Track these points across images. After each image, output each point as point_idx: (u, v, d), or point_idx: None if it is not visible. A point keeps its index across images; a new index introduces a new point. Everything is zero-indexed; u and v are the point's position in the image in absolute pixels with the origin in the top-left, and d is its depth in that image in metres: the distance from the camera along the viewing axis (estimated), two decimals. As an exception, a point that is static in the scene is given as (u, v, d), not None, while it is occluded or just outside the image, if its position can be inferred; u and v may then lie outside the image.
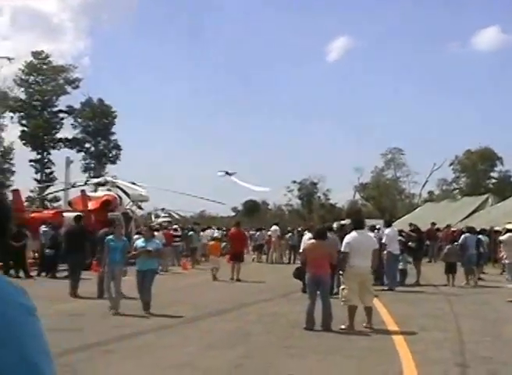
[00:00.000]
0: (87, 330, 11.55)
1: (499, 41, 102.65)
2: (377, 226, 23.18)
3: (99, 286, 15.84)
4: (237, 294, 18.36)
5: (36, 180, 63.26)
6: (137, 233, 23.93)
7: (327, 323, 11.71)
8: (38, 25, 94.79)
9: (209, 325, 12.62)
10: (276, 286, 20.39)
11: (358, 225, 12.62)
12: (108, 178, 38.83)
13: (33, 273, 22.86)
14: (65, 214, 29.23)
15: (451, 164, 70.38)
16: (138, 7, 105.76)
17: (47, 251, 23.16)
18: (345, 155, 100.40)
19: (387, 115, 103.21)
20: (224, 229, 39.15)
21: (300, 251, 16.44)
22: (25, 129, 62.23)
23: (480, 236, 23.58)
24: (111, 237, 14.20)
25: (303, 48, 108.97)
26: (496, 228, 28.28)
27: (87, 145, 67.42)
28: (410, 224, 25.04)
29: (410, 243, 21.93)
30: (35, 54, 63.40)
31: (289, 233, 35.18)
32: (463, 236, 22.11)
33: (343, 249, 12.10)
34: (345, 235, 12.85)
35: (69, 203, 34.23)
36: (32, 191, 58.64)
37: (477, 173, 68.15)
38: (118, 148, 68.11)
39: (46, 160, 64.21)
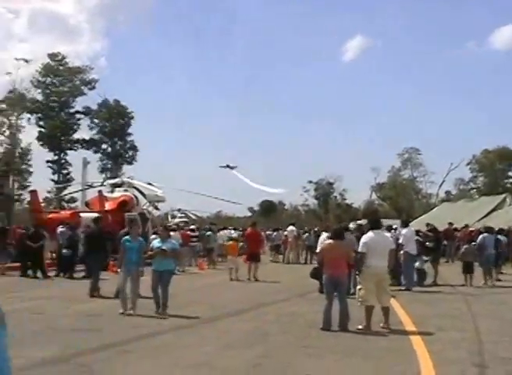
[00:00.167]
0: (105, 331, 11.59)
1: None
2: (394, 227, 23.12)
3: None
4: (254, 294, 18.37)
5: (53, 180, 63.61)
6: (154, 234, 24.02)
7: (344, 323, 11.69)
8: (55, 27, 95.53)
9: (227, 325, 12.65)
10: (293, 286, 20.38)
11: (375, 225, 12.58)
12: (125, 179, 39.02)
13: (51, 274, 22.98)
14: (82, 214, 29.42)
15: (468, 163, 70.12)
16: (153, 8, 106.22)
17: (64, 251, 23.27)
18: (362, 155, 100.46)
19: (404, 114, 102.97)
20: (240, 229, 39.15)
21: (317, 251, 16.41)
22: (42, 130, 62.54)
23: (498, 236, 23.45)
24: (127, 237, 14.22)
25: (318, 48, 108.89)
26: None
27: (104, 146, 67.68)
28: (428, 224, 24.92)
29: (427, 243, 21.83)
30: (51, 56, 63.73)
31: (306, 234, 35.15)
32: (481, 236, 21.98)
33: (360, 249, 12.07)
34: (362, 235, 12.81)
35: (86, 204, 34.44)
36: (49, 192, 59.06)
37: (494, 172, 67.76)
38: (134, 148, 68.30)
39: (63, 161, 64.52)
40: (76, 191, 46.71)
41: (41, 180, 61.29)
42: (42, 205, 36.14)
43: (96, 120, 67.20)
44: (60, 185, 60.15)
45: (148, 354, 9.66)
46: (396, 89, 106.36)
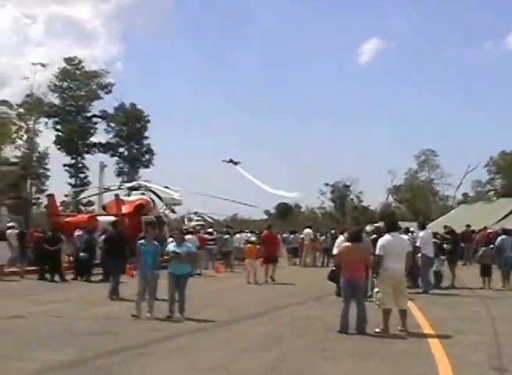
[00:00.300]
0: (122, 334, 11.62)
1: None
2: (411, 229, 23.00)
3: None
4: (271, 297, 18.33)
5: (70, 184, 63.94)
6: (171, 237, 24.06)
7: (361, 326, 11.63)
8: (71, 31, 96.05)
9: (243, 328, 12.63)
10: (310, 289, 20.32)
11: (392, 227, 12.52)
12: (142, 182, 39.20)
13: (69, 277, 23.08)
14: (99, 218, 29.53)
15: (486, 165, 69.69)
16: (169, 12, 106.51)
17: (81, 254, 23.37)
18: (378, 158, 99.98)
19: (420, 116, 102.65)
20: (257, 232, 39.12)
21: (334, 253, 16.35)
22: (59, 134, 62.90)
23: (517, 238, 23.24)
24: (142, 241, 14.24)
25: (334, 50, 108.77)
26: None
27: (121, 150, 67.92)
28: (445, 226, 24.77)
29: (445, 245, 21.71)
30: (68, 60, 64.08)
31: (323, 236, 35.06)
32: (499, 238, 21.81)
33: (377, 252, 11.99)
34: (379, 237, 12.74)
35: (103, 207, 34.57)
36: (66, 196, 59.24)
37: (512, 174, 67.30)
38: (151, 152, 68.50)
39: (80, 165, 64.85)
40: (93, 195, 46.96)
41: (59, 184, 61.62)
42: (59, 208, 36.31)
43: (112, 124, 67.50)
44: (77, 189, 60.44)
45: (165, 357, 9.67)
46: (412, 91, 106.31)
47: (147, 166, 68.37)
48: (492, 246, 21.90)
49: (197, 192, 44.09)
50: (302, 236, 34.96)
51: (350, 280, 11.90)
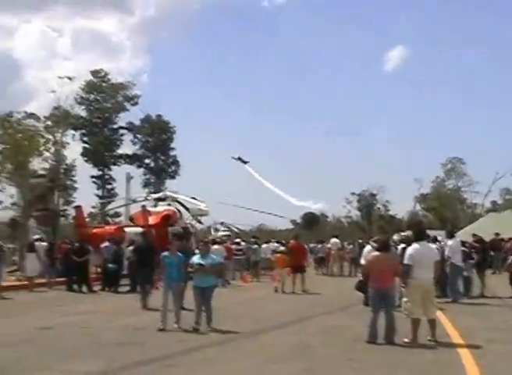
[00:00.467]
0: (150, 344, 11.61)
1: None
2: (438, 238, 22.79)
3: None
4: (298, 307, 18.26)
5: (97, 196, 64.29)
6: (198, 248, 24.08)
7: (390, 336, 11.52)
8: (98, 44, 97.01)
9: (271, 338, 12.58)
10: (337, 299, 20.22)
11: (420, 236, 12.39)
12: (168, 193, 39.29)
13: (96, 288, 23.20)
14: (126, 229, 29.67)
15: (514, 173, 68.93)
16: (194, 25, 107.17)
17: (110, 265, 23.48)
18: (405, 166, 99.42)
19: (447, 124, 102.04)
20: (283, 242, 39.03)
21: (362, 263, 16.25)
22: (86, 146, 63.34)
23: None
24: (166, 253, 14.14)
25: (360, 58, 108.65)
26: None
27: (147, 161, 68.20)
28: (474, 235, 24.53)
29: (473, 254, 21.48)
30: (94, 72, 64.59)
31: (351, 245, 34.92)
32: (529, 246, 21.56)
33: (405, 261, 11.87)
34: (407, 247, 12.62)
35: (130, 218, 34.74)
36: (94, 207, 59.60)
37: (541, 182, 66.61)
38: (177, 163, 68.71)
39: (107, 176, 65.19)
40: (120, 206, 47.18)
41: (86, 196, 61.92)
42: (87, 220, 36.54)
43: (139, 135, 67.84)
44: (104, 200, 60.78)
45: (192, 368, 9.64)
46: (438, 98, 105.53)
47: (173, 177, 68.60)
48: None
49: (223, 202, 44.21)
50: (329, 245, 34.85)
51: (378, 289, 11.80)
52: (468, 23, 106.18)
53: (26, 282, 23.78)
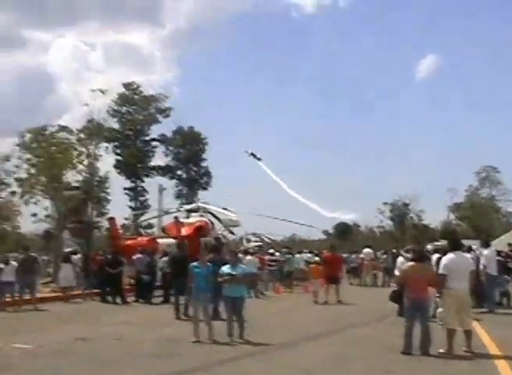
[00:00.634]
0: (184, 356, 11.63)
1: None
2: (473, 247, 22.54)
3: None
4: (332, 318, 18.17)
5: (130, 207, 64.74)
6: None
7: (425, 346, 11.41)
8: (129, 57, 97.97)
9: (305, 349, 12.51)
10: (371, 309, 20.08)
11: (455, 246, 12.27)
12: (200, 204, 39.43)
13: (130, 299, 23.31)
14: (159, 240, 29.80)
15: (550, 181, 68.06)
16: (224, 36, 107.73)
17: (143, 277, 23.59)
18: (437, 175, 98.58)
19: (480, 132, 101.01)
20: (316, 252, 38.91)
21: (396, 273, 16.12)
22: (119, 158, 63.86)
23: None
24: (195, 263, 14.12)
25: (392, 67, 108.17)
26: None
27: (179, 172, 68.56)
28: (510, 244, 24.20)
29: (509, 263, 21.21)
30: (126, 85, 65.18)
31: (385, 255, 34.69)
32: None
33: (440, 271, 11.77)
34: (442, 256, 12.49)
35: (163, 229, 34.91)
36: (127, 219, 60.04)
37: None
38: (208, 174, 68.98)
39: (140, 188, 65.61)
40: (153, 217, 47.47)
41: (119, 207, 62.35)
42: (120, 231, 36.80)
43: (171, 147, 68.25)
44: (137, 212, 61.15)
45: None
46: (470, 106, 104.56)
47: (205, 188, 68.88)
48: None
49: (255, 213, 44.22)
50: (362, 255, 34.67)
51: (414, 300, 11.69)
52: (501, 32, 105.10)
53: (60, 293, 24.00)
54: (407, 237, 69.73)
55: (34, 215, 38.13)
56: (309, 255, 35.38)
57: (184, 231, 30.97)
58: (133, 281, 25.82)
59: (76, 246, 32.38)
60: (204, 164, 69.04)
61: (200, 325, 13.43)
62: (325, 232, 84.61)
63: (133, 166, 64.28)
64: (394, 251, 32.74)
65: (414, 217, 79.65)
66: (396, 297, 15.40)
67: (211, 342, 12.99)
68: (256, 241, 46.61)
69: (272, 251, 33.50)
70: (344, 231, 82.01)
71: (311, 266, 24.85)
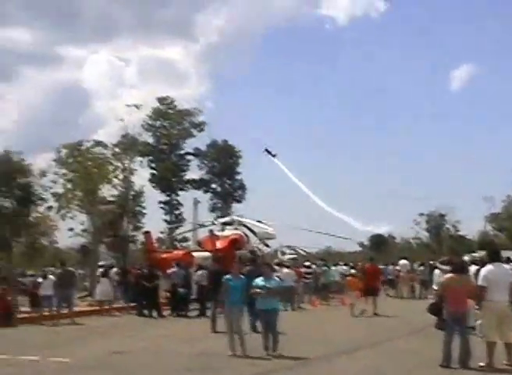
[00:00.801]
0: (220, 369, 11.61)
1: None
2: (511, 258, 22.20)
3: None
4: (368, 331, 18.00)
5: (165, 221, 65.01)
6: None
7: (465, 360, 11.22)
8: (163, 72, 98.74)
9: (341, 363, 12.41)
10: (408, 321, 19.84)
11: (494, 257, 12.07)
12: (235, 217, 39.49)
13: (166, 313, 23.36)
14: (194, 254, 29.89)
15: None
16: (258, 50, 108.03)
17: (180, 290, 23.64)
18: (474, 185, 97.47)
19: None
20: (351, 265, 38.68)
21: (434, 286, 15.91)
22: (154, 172, 64.27)
23: None
24: (228, 276, 14.09)
25: (426, 77, 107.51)
26: None
27: (214, 185, 68.77)
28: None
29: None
30: (160, 99, 65.68)
31: (421, 267, 34.35)
32: None
33: (480, 283, 11.58)
34: (481, 268, 12.29)
35: (198, 243, 35.05)
36: (162, 232, 60.34)
37: None
38: (243, 187, 69.11)
39: (175, 201, 65.86)
40: (188, 231, 47.65)
41: (154, 221, 62.66)
42: (156, 245, 37.01)
43: (205, 161, 68.56)
44: (172, 225, 61.42)
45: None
46: (505, 115, 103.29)
47: (239, 201, 68.96)
48: None
49: (289, 225, 44.14)
50: (398, 267, 34.37)
51: (454, 312, 11.53)
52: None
53: (97, 307, 24.17)
54: (443, 249, 69.05)
55: (71, 229, 38.68)
56: (344, 267, 35.18)
57: (219, 244, 31.03)
58: (168, 295, 25.90)
59: (112, 260, 32.61)
60: (238, 177, 69.26)
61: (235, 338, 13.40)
62: (361, 244, 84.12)
63: (168, 179, 64.62)
64: (431, 262, 32.38)
65: (450, 228, 78.89)
66: (434, 309, 15.19)
67: (246, 356, 12.94)
68: (291, 254, 46.50)
69: (308, 263, 33.36)
70: (379, 243, 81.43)
71: (348, 278, 24.68)
